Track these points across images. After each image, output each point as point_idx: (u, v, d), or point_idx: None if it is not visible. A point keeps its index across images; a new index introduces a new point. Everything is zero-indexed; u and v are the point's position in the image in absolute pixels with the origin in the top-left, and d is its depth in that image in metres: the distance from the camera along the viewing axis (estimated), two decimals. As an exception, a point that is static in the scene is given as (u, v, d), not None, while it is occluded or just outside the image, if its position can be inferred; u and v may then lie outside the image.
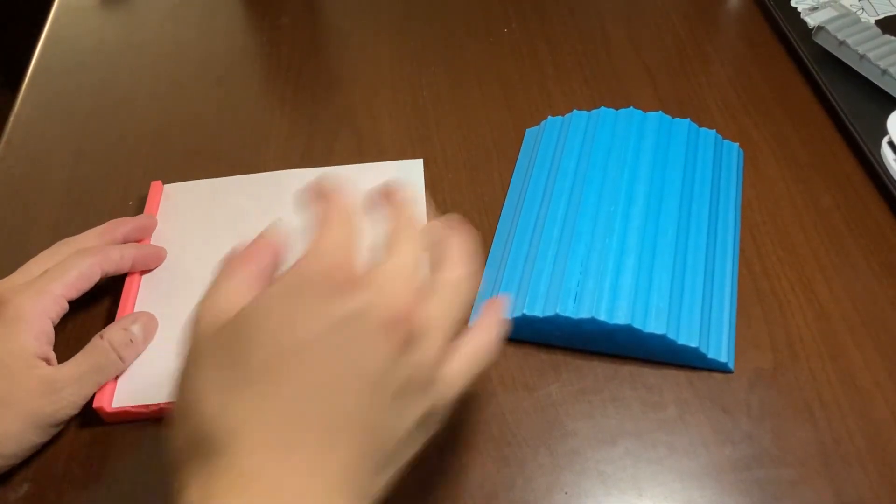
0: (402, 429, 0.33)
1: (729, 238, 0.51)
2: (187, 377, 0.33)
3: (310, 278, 0.33)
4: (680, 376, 0.46)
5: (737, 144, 0.57)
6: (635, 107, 0.56)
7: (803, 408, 0.44)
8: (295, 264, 0.34)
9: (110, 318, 0.50)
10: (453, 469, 0.43)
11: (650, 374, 0.46)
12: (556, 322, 0.46)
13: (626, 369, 0.47)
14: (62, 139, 0.63)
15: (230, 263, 0.36)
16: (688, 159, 0.53)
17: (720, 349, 0.46)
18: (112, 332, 0.47)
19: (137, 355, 0.47)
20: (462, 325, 0.37)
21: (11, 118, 0.66)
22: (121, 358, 0.46)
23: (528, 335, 0.48)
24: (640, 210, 0.50)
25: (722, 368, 0.46)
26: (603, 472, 0.43)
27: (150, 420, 0.46)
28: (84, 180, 0.60)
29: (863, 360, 0.46)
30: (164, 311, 0.50)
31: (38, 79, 0.69)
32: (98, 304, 0.51)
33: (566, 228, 0.49)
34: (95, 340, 0.46)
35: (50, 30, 0.74)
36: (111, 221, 0.53)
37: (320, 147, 0.61)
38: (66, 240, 0.50)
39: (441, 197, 0.56)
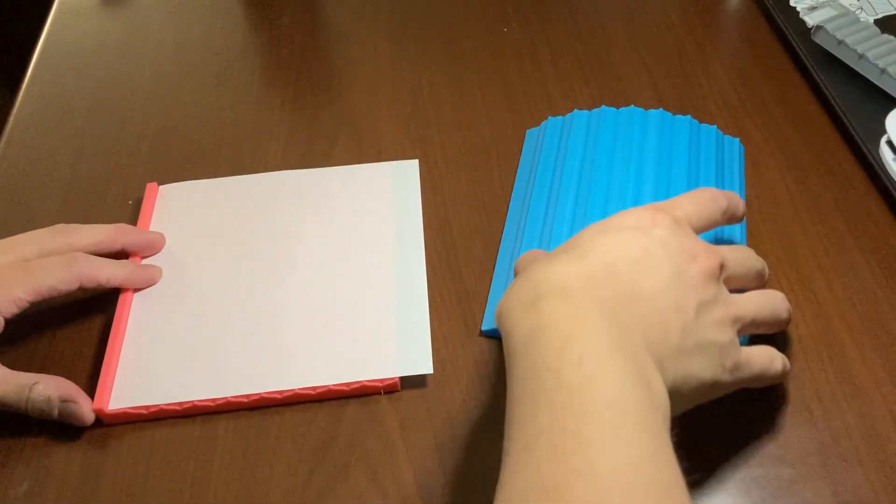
0: (699, 331, 0.37)
1: (735, 232, 0.51)
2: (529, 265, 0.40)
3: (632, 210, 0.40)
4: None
5: (737, 139, 0.57)
6: (635, 106, 0.56)
7: (802, 407, 0.44)
8: None
9: (108, 312, 0.50)
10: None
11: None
12: None
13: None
14: (62, 139, 0.63)
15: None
16: (691, 156, 0.53)
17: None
18: (43, 391, 0.45)
19: (43, 418, 0.45)
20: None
21: (11, 118, 0.66)
22: (27, 413, 0.45)
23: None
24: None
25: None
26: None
27: (149, 421, 0.46)
28: (84, 180, 0.60)
29: (862, 359, 0.46)
30: (161, 312, 0.50)
31: (38, 79, 0.69)
32: (97, 295, 0.52)
33: (575, 230, 0.49)
34: (36, 383, 0.45)
35: (50, 30, 0.74)
36: (120, 227, 0.52)
37: (320, 147, 0.61)
38: (67, 227, 0.50)
39: (441, 197, 0.56)
